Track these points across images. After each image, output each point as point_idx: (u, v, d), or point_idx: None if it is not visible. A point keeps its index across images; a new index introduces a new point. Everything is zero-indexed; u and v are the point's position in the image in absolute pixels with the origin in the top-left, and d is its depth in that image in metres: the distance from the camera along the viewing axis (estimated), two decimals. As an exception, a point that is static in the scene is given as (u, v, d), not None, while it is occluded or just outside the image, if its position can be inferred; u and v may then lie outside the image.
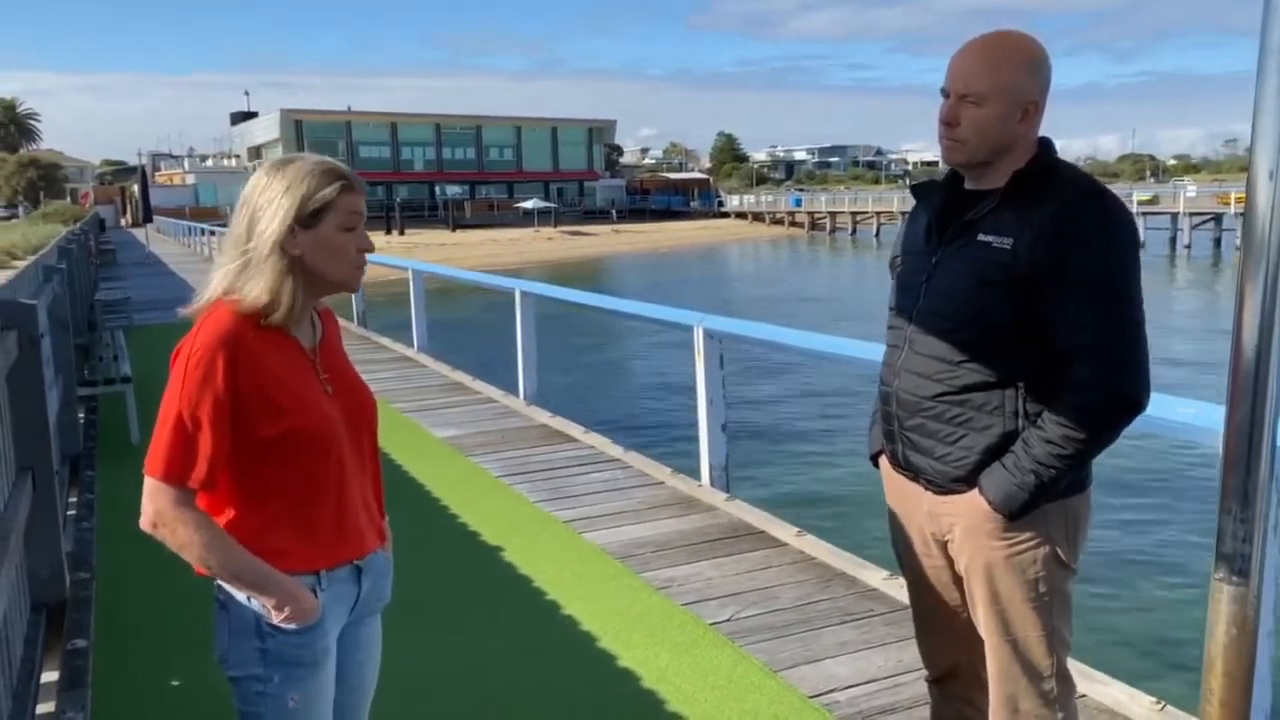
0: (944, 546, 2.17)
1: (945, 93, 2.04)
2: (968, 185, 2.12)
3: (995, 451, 2.01)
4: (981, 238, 2.00)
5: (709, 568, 4.38)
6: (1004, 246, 1.96)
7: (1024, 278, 1.93)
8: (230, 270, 1.76)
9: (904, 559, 2.33)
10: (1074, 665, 3.24)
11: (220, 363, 1.69)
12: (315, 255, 1.77)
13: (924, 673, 2.43)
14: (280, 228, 1.74)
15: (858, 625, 3.75)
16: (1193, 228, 47.22)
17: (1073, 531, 2.07)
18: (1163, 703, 3.05)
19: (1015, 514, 1.99)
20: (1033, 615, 2.06)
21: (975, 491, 2.03)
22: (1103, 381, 1.92)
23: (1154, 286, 31.69)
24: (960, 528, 2.09)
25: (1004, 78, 1.97)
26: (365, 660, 2.02)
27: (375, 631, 2.05)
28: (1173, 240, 47.78)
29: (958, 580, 2.17)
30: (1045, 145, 2.05)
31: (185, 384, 1.69)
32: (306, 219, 1.75)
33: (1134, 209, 49.36)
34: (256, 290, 1.74)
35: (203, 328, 1.73)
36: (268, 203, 1.75)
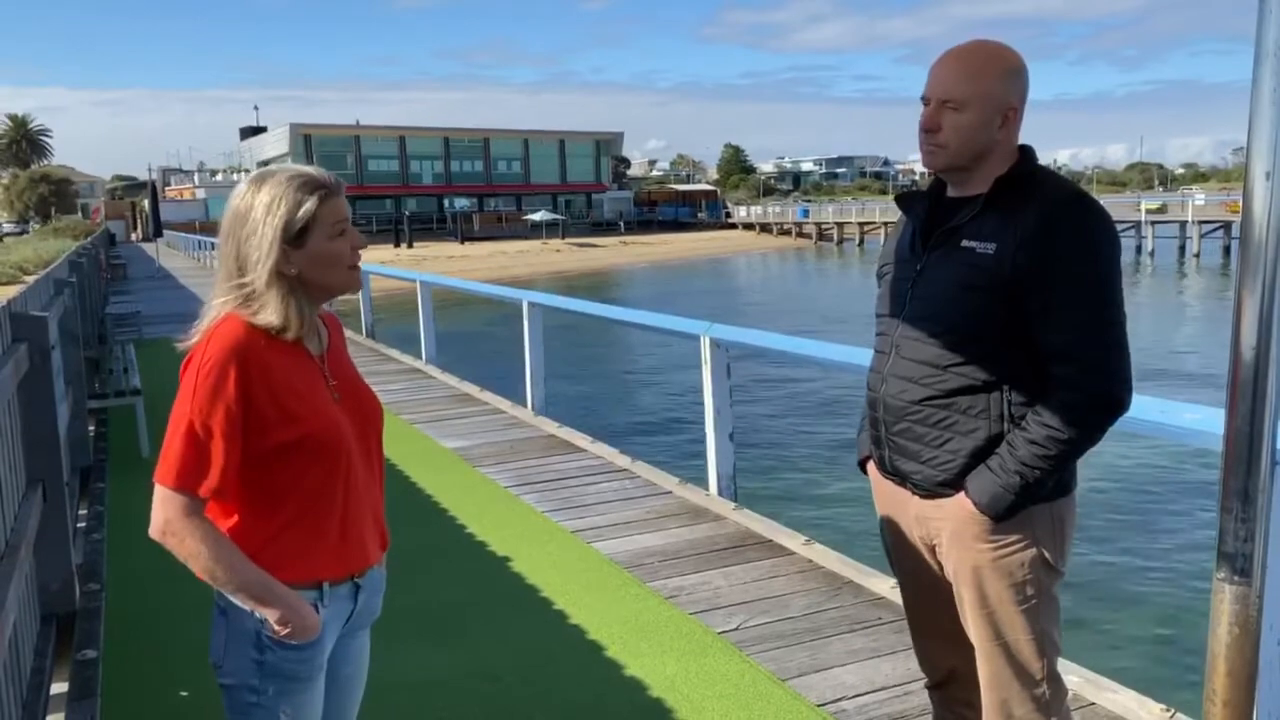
0: (933, 551, 2.18)
1: (925, 100, 2.06)
2: (950, 193, 2.15)
3: (981, 455, 2.02)
4: (965, 243, 2.02)
5: (717, 576, 4.38)
6: (987, 251, 1.98)
7: (1008, 282, 1.95)
8: (229, 302, 1.77)
9: (896, 564, 2.35)
10: (1083, 673, 3.25)
11: (232, 372, 1.70)
12: (312, 269, 1.78)
13: (929, 679, 2.43)
14: (273, 254, 1.74)
15: (866, 633, 3.75)
16: (1202, 236, 47.04)
17: (1059, 534, 2.08)
18: (1172, 710, 3.04)
19: (1001, 515, 2.00)
20: (1021, 619, 2.07)
21: (962, 494, 2.05)
22: (1085, 382, 1.94)
23: (1163, 295, 31.64)
24: (948, 531, 2.10)
25: (983, 84, 2.00)
26: (353, 675, 2.02)
27: (364, 645, 2.05)
28: (1182, 249, 47.61)
29: (949, 585, 2.18)
30: (1026, 152, 2.08)
31: (196, 393, 1.69)
32: (294, 238, 1.75)
33: (1143, 217, 49.38)
34: (266, 316, 1.75)
35: (213, 338, 1.74)
36: (251, 232, 1.74)
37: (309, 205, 1.75)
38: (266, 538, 1.78)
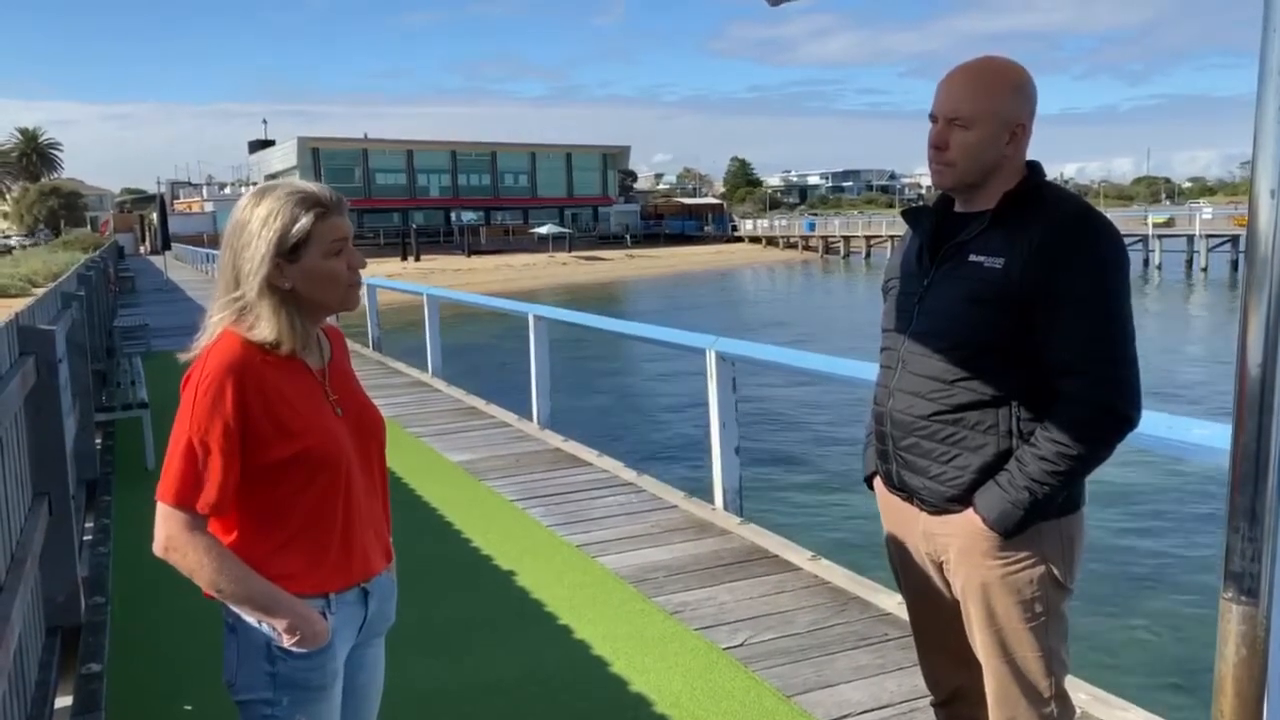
0: (940, 567, 2.17)
1: (933, 118, 2.06)
2: (958, 208, 2.15)
3: (989, 470, 2.01)
4: (973, 258, 2.02)
5: (722, 592, 4.36)
6: (995, 266, 1.98)
7: (1015, 296, 1.95)
8: (226, 317, 1.78)
9: (902, 581, 2.34)
10: (1091, 691, 3.23)
11: (229, 389, 1.71)
12: (306, 285, 1.78)
13: (937, 697, 2.42)
14: (265, 268, 1.74)
15: (872, 650, 3.73)
16: (1209, 250, 46.95)
17: (1068, 551, 2.07)
18: (1181, 728, 3.02)
19: (1010, 532, 1.99)
20: (1029, 636, 2.06)
21: (970, 511, 2.04)
22: (1093, 397, 1.93)
23: (1171, 310, 31.57)
24: (956, 548, 2.09)
25: (991, 101, 2.00)
26: (368, 683, 2.02)
27: (379, 654, 2.05)
28: (1189, 263, 47.52)
29: (956, 601, 2.16)
30: (1034, 168, 2.08)
31: (195, 410, 1.71)
32: (288, 253, 1.75)
33: (1150, 231, 49.29)
34: (260, 330, 1.76)
35: (211, 355, 1.75)
36: (245, 245, 1.76)
37: (304, 221, 1.75)
38: (267, 553, 1.79)
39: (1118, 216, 48.10)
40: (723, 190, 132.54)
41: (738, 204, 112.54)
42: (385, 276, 20.78)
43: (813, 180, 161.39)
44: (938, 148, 2.05)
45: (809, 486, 10.87)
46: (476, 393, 9.73)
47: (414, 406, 9.17)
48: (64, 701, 3.46)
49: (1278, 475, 1.23)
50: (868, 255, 65.06)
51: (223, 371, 1.72)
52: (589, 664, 3.71)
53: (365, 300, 12.55)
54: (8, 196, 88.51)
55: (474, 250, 64.11)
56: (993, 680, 2.12)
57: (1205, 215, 51.41)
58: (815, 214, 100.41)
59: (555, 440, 7.51)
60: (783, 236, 77.91)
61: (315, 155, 68.96)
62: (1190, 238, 48.64)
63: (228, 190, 79.37)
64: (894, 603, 4.07)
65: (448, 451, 7.28)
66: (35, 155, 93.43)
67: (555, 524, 5.43)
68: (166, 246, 35.49)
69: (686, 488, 6.10)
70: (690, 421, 13.13)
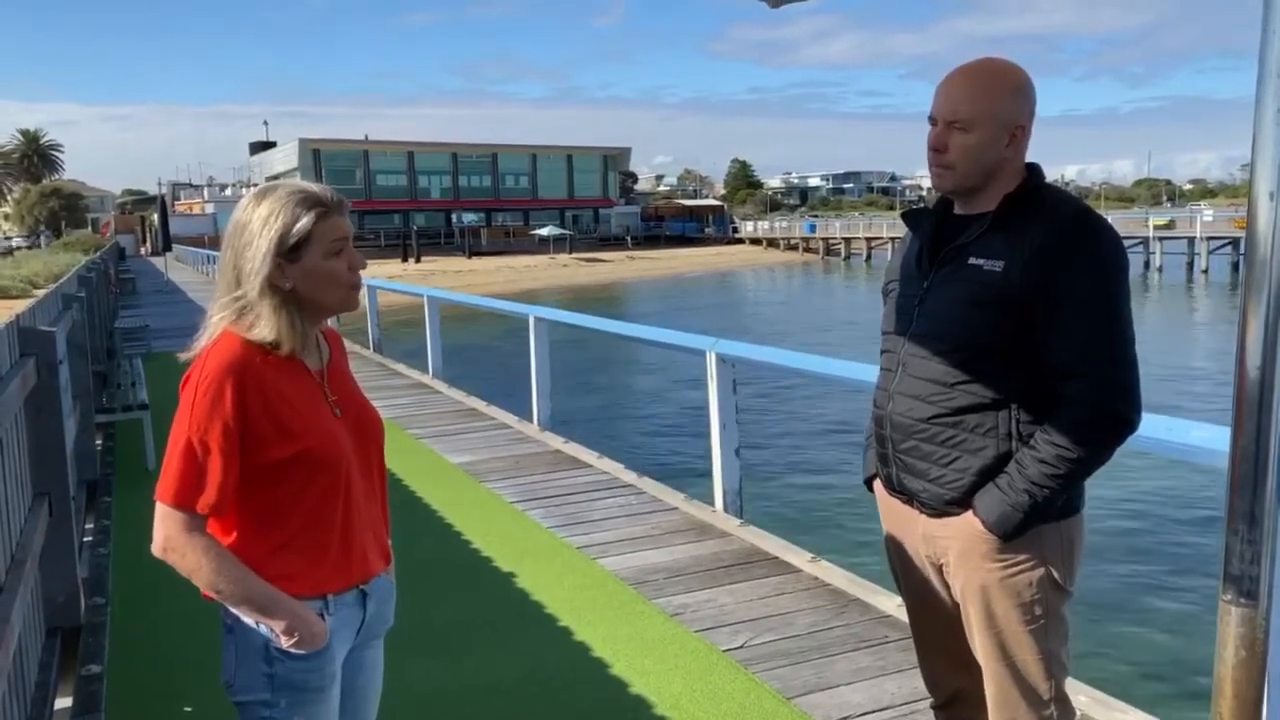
0: (940, 570, 2.17)
1: (933, 120, 2.06)
2: (958, 210, 2.15)
3: (989, 473, 2.01)
4: (972, 261, 2.02)
5: (722, 594, 4.36)
6: (995, 269, 1.98)
7: (1015, 299, 1.95)
8: (226, 316, 1.78)
9: (903, 583, 2.34)
10: (1091, 693, 3.22)
11: (229, 389, 1.71)
12: (306, 285, 1.78)
13: (937, 699, 2.41)
14: (266, 268, 1.74)
15: (872, 651, 3.73)
16: (1210, 252, 46.91)
17: (1068, 554, 2.07)
18: (1181, 730, 3.01)
19: (1010, 535, 1.99)
20: (1029, 639, 2.06)
21: (970, 513, 2.04)
22: (1093, 399, 1.93)
23: (1172, 312, 31.55)
24: (955, 550, 2.09)
25: (991, 103, 2.00)
26: (367, 685, 2.03)
27: (378, 656, 2.05)
28: (1190, 265, 47.49)
29: (956, 604, 2.16)
30: (1033, 170, 2.07)
31: (194, 410, 1.71)
32: (289, 253, 1.76)
33: (1151, 233, 49.26)
34: (260, 330, 1.76)
35: (210, 355, 1.75)
36: (246, 244, 1.76)
37: (305, 221, 1.76)
38: (267, 553, 1.79)
39: (1118, 218, 48.10)
40: (723, 192, 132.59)
41: (738, 206, 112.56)
42: (386, 278, 20.79)
43: (813, 182, 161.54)
44: (937, 150, 2.05)
45: (809, 488, 10.86)
46: (477, 394, 9.73)
47: (414, 408, 9.17)
48: (64, 702, 3.46)
49: (1277, 478, 1.23)
50: (868, 257, 64.99)
51: (222, 371, 1.72)
52: (589, 665, 3.71)
53: (365, 301, 12.56)
54: (9, 198, 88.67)
55: (475, 252, 64.11)
56: (992, 683, 2.13)
57: (1206, 217, 51.36)
58: (816, 216, 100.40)
59: (555, 442, 7.51)
60: (783, 238, 77.88)
61: (316, 157, 68.98)
62: (1191, 240, 48.58)
63: (228, 192, 79.34)
64: (894, 605, 4.06)
65: (448, 453, 7.29)
66: (36, 156, 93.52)
67: (555, 526, 5.43)
68: (167, 248, 35.55)
69: (686, 489, 6.09)
70: (691, 423, 13.12)
